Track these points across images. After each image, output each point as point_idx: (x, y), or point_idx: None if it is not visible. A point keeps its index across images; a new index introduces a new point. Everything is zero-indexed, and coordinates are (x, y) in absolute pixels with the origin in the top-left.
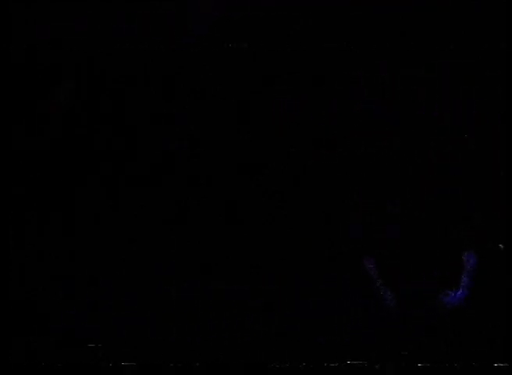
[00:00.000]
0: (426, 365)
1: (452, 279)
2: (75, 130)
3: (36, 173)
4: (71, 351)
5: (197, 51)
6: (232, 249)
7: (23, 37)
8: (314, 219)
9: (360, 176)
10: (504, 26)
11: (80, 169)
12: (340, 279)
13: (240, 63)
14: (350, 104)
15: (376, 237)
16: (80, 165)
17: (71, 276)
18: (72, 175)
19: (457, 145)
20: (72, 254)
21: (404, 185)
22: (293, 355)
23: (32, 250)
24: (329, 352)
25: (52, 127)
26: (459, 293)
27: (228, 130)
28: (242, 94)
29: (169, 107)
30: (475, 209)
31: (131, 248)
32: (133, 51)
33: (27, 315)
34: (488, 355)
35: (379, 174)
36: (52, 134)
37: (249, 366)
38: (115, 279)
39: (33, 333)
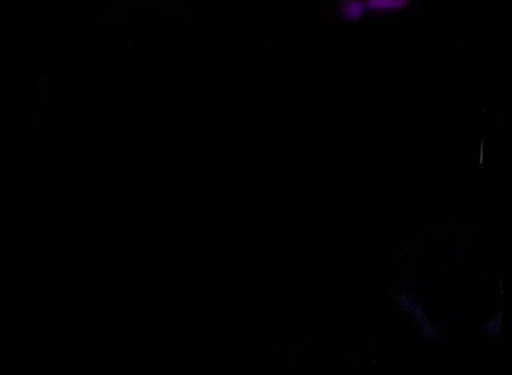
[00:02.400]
0: None
1: (489, 308)
2: (71, 131)
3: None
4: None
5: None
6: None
7: (22, 36)
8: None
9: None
10: (504, 26)
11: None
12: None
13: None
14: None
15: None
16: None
17: (71, 277)
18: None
19: (459, 146)
20: (70, 258)
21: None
22: None
23: (32, 252)
24: None
25: (48, 128)
26: (498, 320)
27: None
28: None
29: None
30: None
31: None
32: (132, 51)
33: (26, 315)
34: None
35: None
36: (49, 135)
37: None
38: (113, 279)
39: (33, 333)
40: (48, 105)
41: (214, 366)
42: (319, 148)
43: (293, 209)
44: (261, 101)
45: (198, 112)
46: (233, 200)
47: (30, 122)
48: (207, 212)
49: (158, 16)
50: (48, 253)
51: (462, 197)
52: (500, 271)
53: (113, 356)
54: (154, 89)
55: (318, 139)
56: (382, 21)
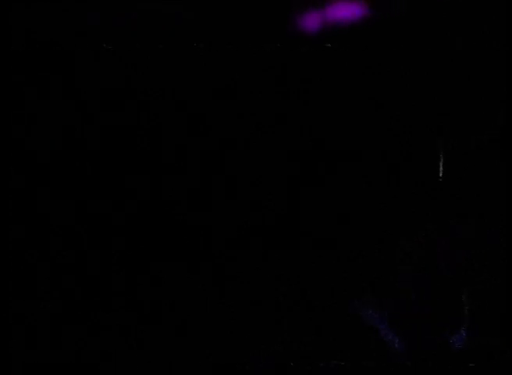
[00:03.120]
0: None
1: (456, 320)
2: (71, 131)
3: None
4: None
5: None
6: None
7: (22, 35)
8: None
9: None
10: (504, 26)
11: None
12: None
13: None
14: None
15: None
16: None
17: (71, 277)
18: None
19: (458, 147)
20: (71, 258)
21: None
22: None
23: (32, 252)
24: None
25: (49, 129)
26: (464, 333)
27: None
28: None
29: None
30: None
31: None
32: (131, 51)
33: (26, 315)
34: None
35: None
36: (49, 136)
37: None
38: (112, 279)
39: (33, 333)
40: (47, 105)
41: (214, 365)
42: (319, 148)
43: (293, 209)
44: (261, 101)
45: (198, 112)
46: (233, 200)
47: (30, 122)
48: (207, 212)
49: (158, 16)
50: (48, 253)
51: (462, 197)
52: (500, 271)
53: (113, 356)
54: (154, 89)
55: (318, 139)
56: (382, 20)
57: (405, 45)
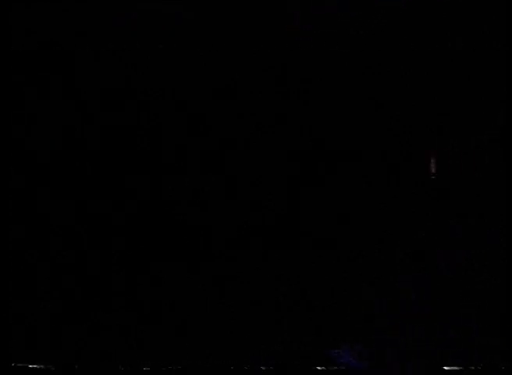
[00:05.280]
0: None
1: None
2: (72, 132)
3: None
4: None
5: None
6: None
7: (22, 36)
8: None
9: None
10: (504, 26)
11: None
12: None
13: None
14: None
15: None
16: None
17: (71, 277)
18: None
19: (458, 146)
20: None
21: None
22: None
23: (32, 252)
24: None
25: (49, 129)
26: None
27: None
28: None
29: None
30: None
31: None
32: (131, 51)
33: (26, 315)
34: None
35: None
36: (50, 136)
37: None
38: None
39: (33, 333)
40: (47, 105)
41: (213, 365)
42: (319, 148)
43: (293, 209)
44: (261, 101)
45: (198, 112)
46: (233, 200)
47: (30, 122)
48: (207, 212)
49: (158, 16)
50: (48, 253)
51: (462, 197)
52: (500, 271)
53: (113, 356)
54: (154, 89)
55: (318, 139)
56: (382, 20)
57: (405, 45)
